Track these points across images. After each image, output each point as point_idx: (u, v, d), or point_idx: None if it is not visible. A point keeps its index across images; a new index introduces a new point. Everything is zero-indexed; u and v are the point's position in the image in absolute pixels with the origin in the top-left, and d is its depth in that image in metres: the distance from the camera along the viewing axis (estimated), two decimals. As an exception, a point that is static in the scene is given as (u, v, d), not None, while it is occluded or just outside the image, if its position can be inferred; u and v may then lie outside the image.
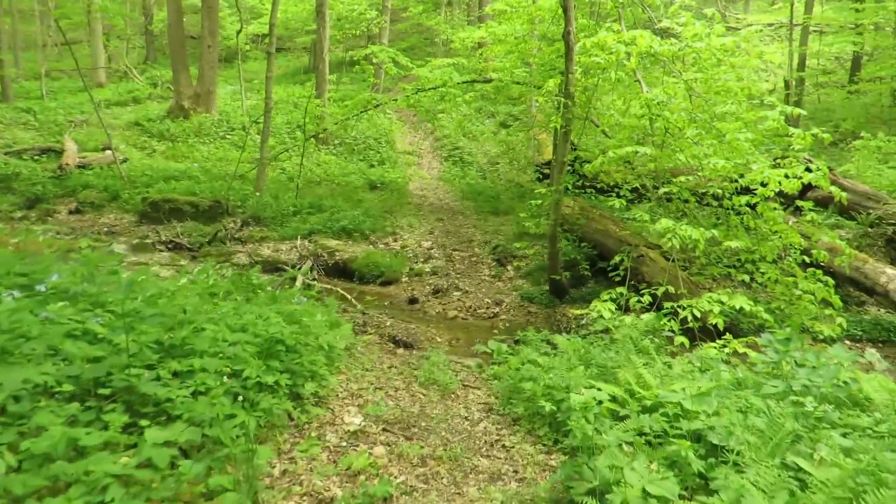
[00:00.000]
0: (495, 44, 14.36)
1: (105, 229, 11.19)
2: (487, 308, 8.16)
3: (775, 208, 6.30)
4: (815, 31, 19.94)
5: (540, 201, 7.45)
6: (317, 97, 16.64)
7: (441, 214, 12.95)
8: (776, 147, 7.80)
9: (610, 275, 7.16)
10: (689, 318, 5.27)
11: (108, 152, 15.74)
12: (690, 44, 7.52)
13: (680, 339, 5.16)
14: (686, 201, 6.63)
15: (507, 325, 7.61)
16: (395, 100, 13.63)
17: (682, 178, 6.01)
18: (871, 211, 8.03)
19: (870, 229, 8.07)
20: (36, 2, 27.96)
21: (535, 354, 4.16)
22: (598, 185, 9.82)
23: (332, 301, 6.21)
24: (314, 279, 9.15)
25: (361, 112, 13.43)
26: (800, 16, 19.34)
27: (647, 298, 5.67)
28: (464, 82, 13.64)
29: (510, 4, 11.82)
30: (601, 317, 5.52)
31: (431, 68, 13.58)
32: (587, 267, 8.15)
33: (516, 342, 6.09)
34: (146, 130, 18.42)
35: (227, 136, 17.74)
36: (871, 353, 6.29)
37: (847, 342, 6.47)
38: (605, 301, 5.73)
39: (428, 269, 9.73)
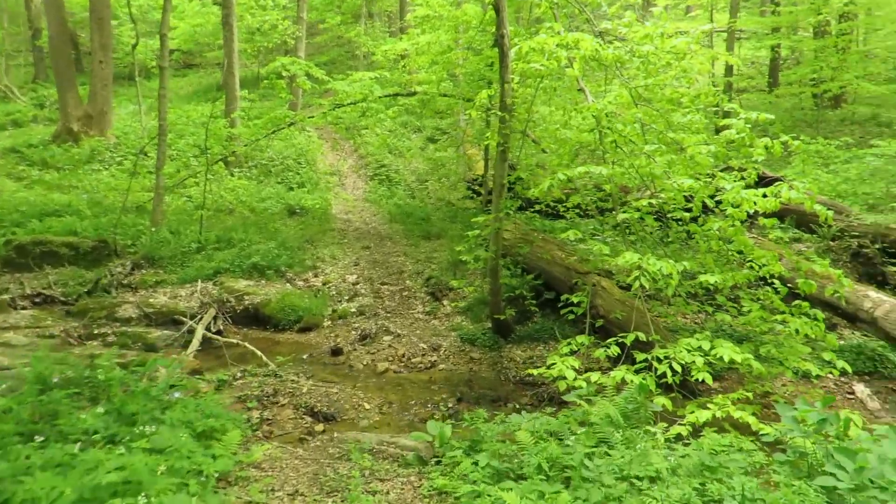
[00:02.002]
0: (418, 55, 13.37)
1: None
2: (423, 356, 7.02)
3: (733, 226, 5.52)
4: (736, 38, 20.04)
5: (477, 232, 6.42)
6: (227, 115, 15.14)
7: (367, 241, 11.75)
8: (733, 159, 7.10)
9: (562, 312, 6.18)
10: (668, 372, 4.33)
11: (-21, 185, 13.68)
12: (638, 46, 6.71)
13: (660, 400, 4.19)
14: (644, 223, 5.74)
15: (448, 376, 6.50)
16: (312, 116, 12.36)
17: (645, 202, 5.10)
18: (830, 224, 7.45)
19: (832, 242, 7.49)
20: None
21: (486, 461, 3.06)
22: (538, 206, 8.93)
23: (225, 371, 4.92)
24: (219, 331, 7.76)
25: (273, 131, 12.08)
26: (720, 22, 19.39)
27: (614, 350, 4.69)
28: (386, 96, 12.55)
29: (433, 9, 10.83)
30: (563, 378, 4.50)
31: (350, 82, 12.42)
32: (533, 301, 7.16)
33: (454, 417, 4.98)
34: (25, 158, 16.24)
35: (125, 162, 15.89)
36: (861, 390, 5.57)
37: (829, 376, 5.73)
38: (565, 355, 4.72)
39: (354, 310, 8.51)
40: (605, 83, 7.79)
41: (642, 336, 4.72)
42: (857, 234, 7.32)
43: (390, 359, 6.95)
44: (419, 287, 9.16)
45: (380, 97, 12.56)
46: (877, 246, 7.13)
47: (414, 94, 12.40)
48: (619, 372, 4.31)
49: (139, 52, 22.45)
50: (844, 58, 16.35)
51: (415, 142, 19.22)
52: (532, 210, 9.04)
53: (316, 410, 5.38)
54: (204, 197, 11.22)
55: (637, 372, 4.38)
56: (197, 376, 5.86)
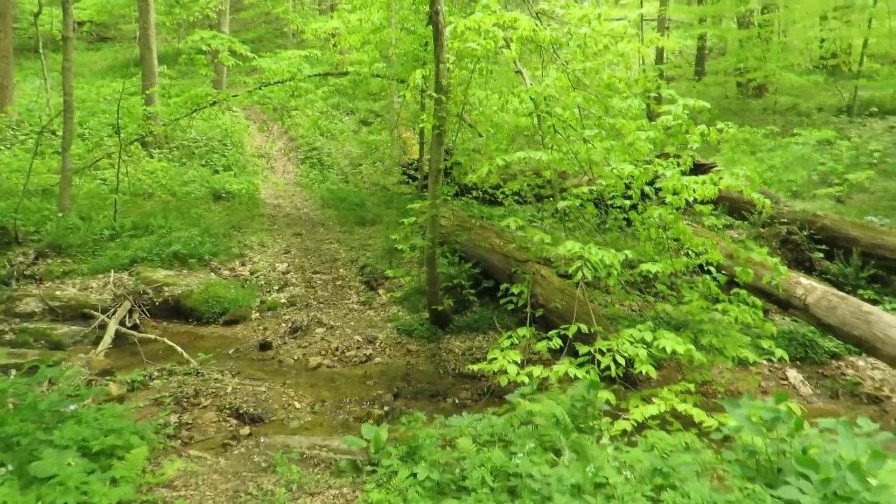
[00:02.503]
0: (350, 34, 12.87)
1: None
2: (358, 348, 6.72)
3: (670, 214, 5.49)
4: (665, 27, 20.40)
5: (413, 219, 6.14)
6: (143, 93, 14.15)
7: (299, 227, 11.26)
8: (669, 146, 7.10)
9: (501, 302, 6.01)
10: (612, 366, 4.23)
11: None
12: (575, 28, 6.56)
13: (604, 395, 4.07)
14: (585, 210, 5.62)
15: (384, 370, 6.22)
16: (236, 95, 11.68)
17: (585, 189, 4.96)
18: (761, 210, 7.59)
19: (762, 229, 7.64)
20: None
21: (426, 473, 2.81)
22: (475, 193, 8.73)
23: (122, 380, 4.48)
24: (134, 326, 7.20)
25: (194, 110, 11.34)
26: (650, 11, 19.70)
27: (556, 342, 4.54)
28: (316, 75, 12.03)
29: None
30: (504, 373, 4.32)
31: (277, 60, 11.80)
32: (471, 291, 6.96)
33: (391, 415, 4.73)
34: (-85, 136, 14.75)
35: (28, 142, 14.63)
36: (794, 376, 5.68)
37: (764, 363, 5.82)
38: (506, 348, 4.54)
39: (284, 300, 8.09)
40: (542, 66, 7.64)
41: (584, 328, 4.60)
42: (785, 220, 7.50)
43: (323, 353, 6.61)
44: (354, 276, 8.82)
45: (309, 76, 12.03)
46: (805, 233, 7.33)
47: (345, 74, 11.92)
48: (563, 366, 4.17)
49: (43, 22, 20.74)
50: (767, 48, 16.92)
51: (347, 124, 18.67)
52: (469, 196, 8.82)
53: (242, 412, 5.00)
54: (118, 180, 10.41)
55: (580, 365, 4.25)
56: (107, 378, 5.36)
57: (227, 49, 11.97)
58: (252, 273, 8.97)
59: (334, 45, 18.04)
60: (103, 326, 6.94)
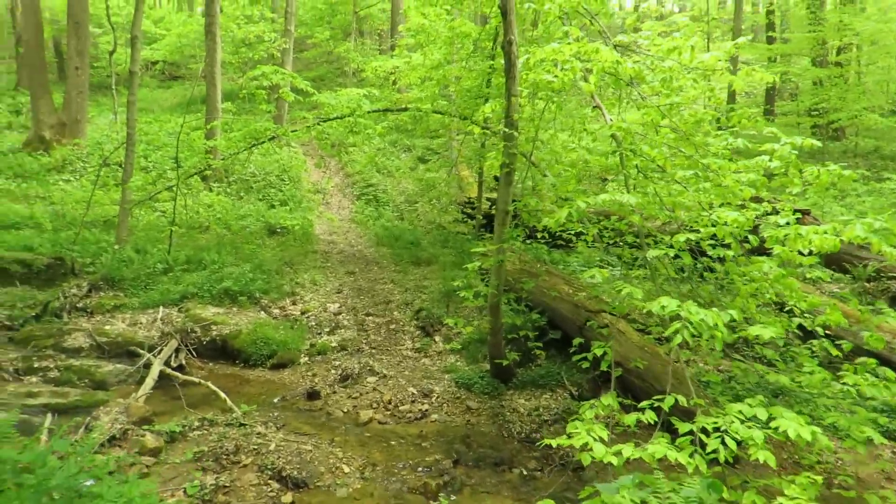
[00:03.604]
0: (411, 70, 12.72)
1: None
2: (413, 402, 6.16)
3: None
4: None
5: (478, 264, 5.61)
6: (206, 127, 14.30)
7: (352, 265, 10.90)
8: (763, 189, 6.39)
9: (575, 359, 5.37)
10: (721, 449, 3.53)
11: (-65, 194, 12.68)
12: (658, 61, 6.03)
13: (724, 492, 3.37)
14: (680, 261, 4.96)
15: (441, 429, 5.63)
16: (295, 130, 11.55)
17: (682, 237, 4.34)
18: (866, 262, 6.76)
19: (867, 284, 6.79)
20: None
21: None
22: (539, 235, 8.16)
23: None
24: (180, 366, 6.85)
25: (253, 145, 11.25)
26: (728, 49, 19.01)
27: (649, 416, 3.88)
28: (376, 111, 11.80)
29: (429, 19, 10.16)
30: (587, 449, 3.68)
31: (337, 96, 11.68)
32: (538, 344, 6.33)
33: (451, 486, 4.13)
34: (-8, 166, 15.29)
35: (94, 173, 14.94)
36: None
37: (885, 444, 4.96)
38: (589, 421, 3.90)
39: (334, 344, 7.64)
40: (619, 102, 7.12)
41: (682, 399, 3.93)
42: (895, 275, 6.64)
43: (375, 405, 6.07)
44: (408, 320, 8.32)
45: (369, 112, 11.83)
46: (919, 289, 6.46)
47: (405, 109, 11.65)
48: (659, 446, 3.49)
49: (118, 61, 21.64)
50: (847, 88, 15.96)
51: (404, 161, 18.49)
52: (535, 240, 8.26)
53: (284, 474, 4.49)
54: (174, 212, 10.32)
55: (678, 446, 3.57)
56: (144, 427, 4.95)
57: (288, 84, 11.95)
58: (303, 313, 8.60)
59: (393, 84, 18.03)
60: (148, 366, 6.62)
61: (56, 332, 7.29)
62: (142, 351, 6.92)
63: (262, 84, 10.72)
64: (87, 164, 15.64)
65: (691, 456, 3.48)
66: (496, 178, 12.65)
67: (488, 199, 12.27)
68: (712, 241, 4.89)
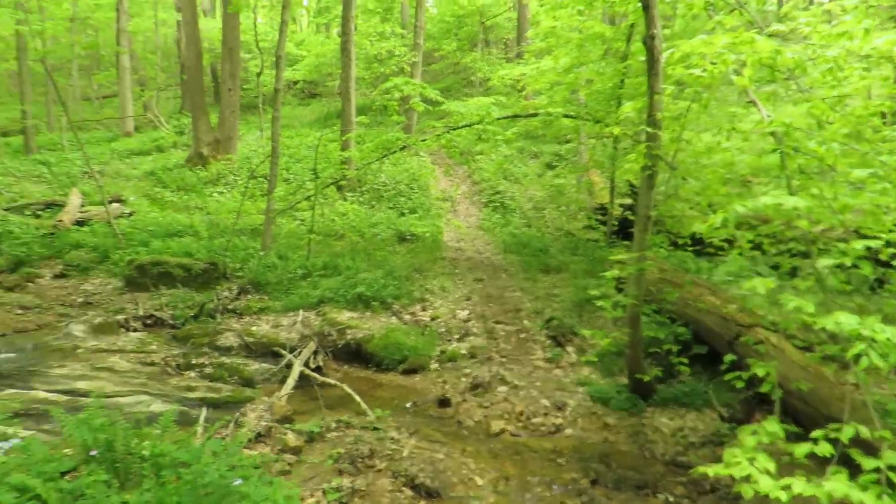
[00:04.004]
0: (540, 74, 12.53)
1: (81, 300, 9.45)
2: (545, 415, 5.94)
3: None
4: None
5: (616, 272, 5.30)
6: (342, 140, 15.01)
7: (480, 272, 10.87)
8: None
9: (727, 377, 4.89)
10: (916, 493, 3.01)
11: (116, 205, 14.33)
12: (824, 48, 5.41)
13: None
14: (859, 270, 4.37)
15: (577, 445, 5.37)
16: (424, 139, 11.77)
17: (860, 245, 3.80)
18: None
19: None
20: (74, 57, 27.66)
21: None
22: (681, 241, 7.63)
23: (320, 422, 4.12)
24: (318, 368, 7.13)
25: (385, 155, 11.61)
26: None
27: (825, 448, 3.40)
28: (504, 117, 11.72)
29: (561, 20, 9.93)
30: (749, 480, 3.29)
31: (466, 104, 11.78)
32: (684, 360, 5.86)
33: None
34: (161, 180, 17.08)
35: (243, 185, 16.18)
36: None
37: None
38: (750, 448, 3.49)
39: (464, 351, 7.60)
40: (773, 96, 6.49)
41: (864, 430, 3.41)
42: None
43: (506, 416, 5.93)
44: (538, 329, 8.10)
45: (498, 119, 11.79)
46: None
47: (535, 115, 11.48)
48: (839, 484, 3.04)
49: (265, 82, 23.35)
50: None
51: (532, 168, 18.29)
52: (677, 247, 7.74)
53: (417, 482, 4.47)
54: (313, 221, 10.86)
55: (864, 487, 3.09)
56: (286, 426, 5.16)
57: (417, 95, 12.21)
58: (432, 319, 8.66)
59: (520, 91, 17.88)
60: (289, 366, 6.95)
61: (211, 332, 7.90)
62: (284, 352, 7.28)
63: (394, 96, 11.03)
64: (237, 176, 17.00)
65: (879, 497, 3.00)
66: (629, 184, 12.14)
67: (621, 206, 11.75)
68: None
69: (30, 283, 10.51)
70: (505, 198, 16.08)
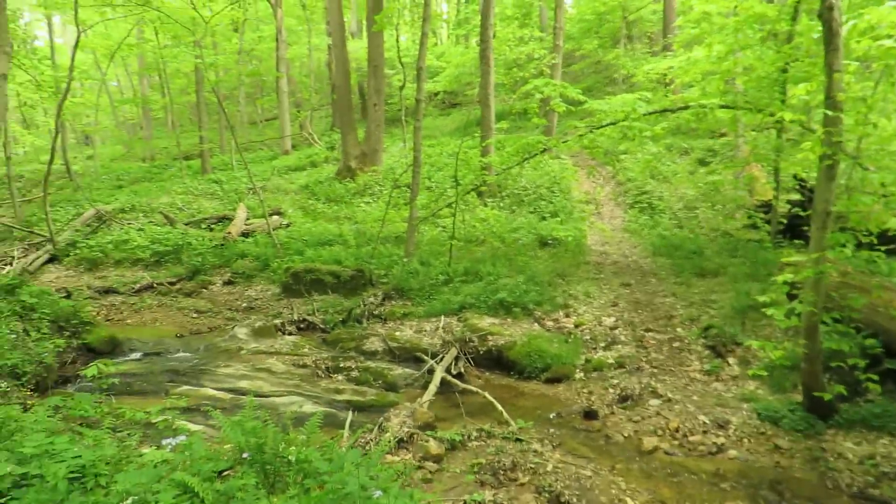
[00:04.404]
0: (691, 65, 11.70)
1: (245, 305, 10.25)
2: (705, 433, 5.40)
3: None
4: None
5: (790, 276, 4.67)
6: (481, 146, 15.05)
7: (627, 277, 10.29)
8: None
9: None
10: None
11: (275, 217, 15.52)
12: None
13: None
14: None
15: (743, 469, 4.79)
16: (566, 141, 11.40)
17: None
18: None
19: None
20: (240, 84, 30.61)
21: None
22: (865, 239, 6.62)
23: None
24: (459, 374, 7.08)
25: (526, 158, 11.39)
26: None
27: None
28: (652, 112, 11.03)
29: (716, 3, 9.16)
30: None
31: (609, 102, 11.25)
32: (874, 377, 5.03)
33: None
34: (314, 193, 18.25)
35: (386, 194, 16.78)
36: None
37: None
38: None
39: (611, 361, 7.18)
40: None
41: None
42: None
43: (660, 432, 5.47)
44: (694, 338, 7.45)
45: (644, 115, 11.12)
46: None
47: (686, 108, 10.67)
48: None
49: (407, 95, 24.18)
50: None
51: (681, 165, 17.12)
52: (864, 247, 6.75)
53: (563, 500, 4.21)
54: (454, 227, 10.93)
55: None
56: (428, 432, 5.13)
57: (558, 96, 11.88)
58: (576, 326, 8.30)
59: (666, 85, 16.82)
60: (431, 371, 6.97)
61: (357, 336, 8.17)
62: (426, 357, 7.33)
63: (535, 98, 10.81)
64: (382, 187, 17.68)
65: None
66: (796, 178, 10.89)
67: (789, 202, 10.57)
68: None
69: (204, 290, 11.61)
70: (653, 198, 15.18)
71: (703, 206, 14.42)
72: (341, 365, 7.33)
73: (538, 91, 10.75)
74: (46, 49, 27.82)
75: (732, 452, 5.07)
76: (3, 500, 2.27)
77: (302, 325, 8.88)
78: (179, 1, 17.22)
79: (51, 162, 15.80)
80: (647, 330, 7.95)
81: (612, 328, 8.10)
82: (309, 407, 6.14)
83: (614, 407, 6.10)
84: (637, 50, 28.91)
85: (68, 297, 9.74)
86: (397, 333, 8.20)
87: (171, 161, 27.81)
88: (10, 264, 12.91)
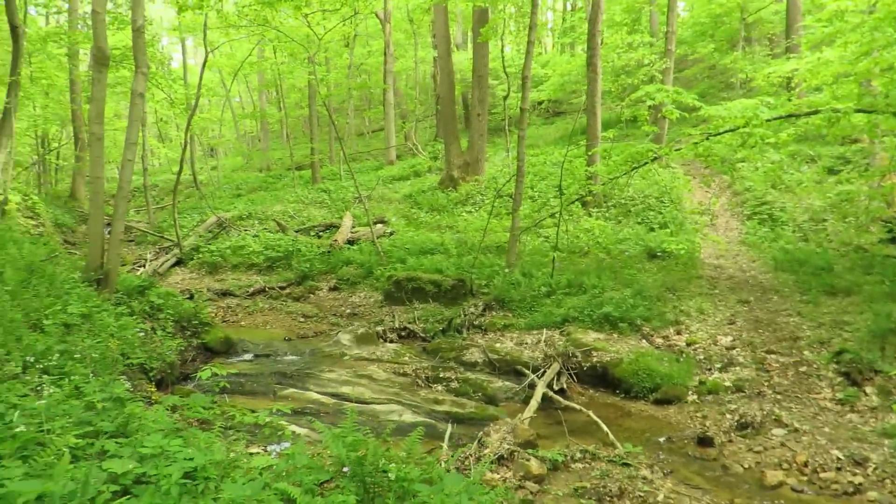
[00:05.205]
0: (818, 68, 10.81)
1: (349, 311, 10.51)
2: (839, 469, 4.85)
3: None
4: None
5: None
6: (587, 155, 14.66)
7: (745, 293, 9.58)
8: None
9: None
10: None
11: (379, 226, 15.91)
12: None
13: None
14: None
15: (885, 515, 4.25)
16: (679, 149, 10.83)
17: None
18: None
19: None
20: (349, 97, 31.88)
21: None
22: None
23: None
24: (561, 390, 6.84)
25: (634, 168, 10.93)
26: None
27: None
28: (777, 118, 10.26)
29: (850, 3, 8.41)
30: None
31: (728, 107, 10.57)
32: None
33: None
34: (416, 202, 18.54)
35: (488, 204, 16.73)
36: None
37: None
38: None
39: (728, 383, 6.66)
40: None
41: None
42: None
43: (785, 465, 4.97)
44: (824, 362, 6.77)
45: (767, 120, 10.36)
46: None
47: (815, 112, 9.83)
48: None
49: (510, 105, 24.10)
50: None
51: (807, 174, 15.81)
52: None
53: (676, 535, 3.90)
54: (557, 238, 10.66)
55: None
56: (529, 451, 4.95)
57: (671, 102, 11.32)
58: (688, 344, 7.81)
59: (790, 89, 15.64)
60: (532, 386, 6.78)
61: (457, 347, 8.12)
62: (527, 371, 7.15)
63: (645, 104, 10.37)
64: (484, 196, 17.67)
65: None
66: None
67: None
68: None
69: (311, 295, 12.06)
70: (774, 209, 14.12)
71: (833, 218, 13.22)
72: (441, 375, 7.29)
73: (650, 98, 10.27)
74: (180, 70, 30.34)
75: (872, 494, 4.50)
76: (125, 499, 2.37)
77: (403, 333, 8.97)
78: (296, 20, 18.14)
79: (180, 172, 17.12)
80: (769, 352, 7.32)
81: (729, 348, 7.54)
82: (408, 416, 6.14)
83: (732, 434, 5.63)
84: (756, 52, 27.21)
85: (190, 298, 10.42)
86: (497, 345, 8.07)
87: (284, 171, 29.38)
88: (143, 266, 14.05)
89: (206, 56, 18.09)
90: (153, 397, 5.68)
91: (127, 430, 3.35)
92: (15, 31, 10.44)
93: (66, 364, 4.42)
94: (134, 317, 7.39)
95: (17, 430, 2.74)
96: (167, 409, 3.57)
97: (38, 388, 3.95)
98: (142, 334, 6.90)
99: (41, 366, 4.24)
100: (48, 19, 27.19)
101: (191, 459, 2.73)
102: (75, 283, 7.03)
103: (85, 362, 4.66)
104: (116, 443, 2.97)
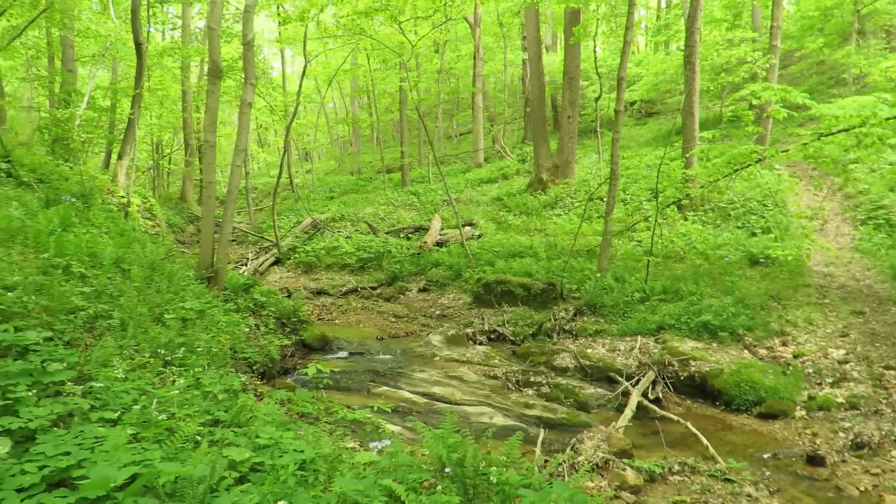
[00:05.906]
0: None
1: (438, 312, 10.66)
2: (972, 500, 4.43)
3: None
4: None
5: None
6: (684, 157, 14.13)
7: (860, 304, 8.92)
8: None
9: None
10: None
11: (468, 228, 16.04)
12: None
13: None
14: None
15: None
16: (786, 150, 10.24)
17: None
18: None
19: None
20: (439, 101, 32.35)
21: None
22: None
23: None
24: (657, 399, 6.65)
25: (736, 170, 10.43)
26: None
27: None
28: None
29: None
30: None
31: (842, 105, 9.88)
32: None
33: None
34: (505, 205, 18.54)
35: (579, 207, 16.46)
36: None
37: None
38: None
39: (841, 399, 6.23)
40: None
41: None
42: None
43: (908, 492, 4.60)
44: (954, 382, 6.20)
45: (888, 119, 9.60)
46: None
47: (945, 108, 9.00)
48: None
49: (602, 106, 23.61)
50: None
51: (932, 176, 14.49)
52: None
53: (784, 556, 3.70)
54: (651, 242, 10.35)
55: None
56: (625, 460, 4.84)
57: (778, 100, 10.72)
58: (795, 356, 7.36)
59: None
60: (626, 394, 6.63)
61: (547, 351, 8.06)
62: (620, 378, 6.99)
63: (751, 102, 9.88)
64: (574, 199, 17.41)
65: None
66: None
67: None
68: None
69: (401, 295, 12.33)
70: (892, 213, 13.05)
71: (965, 225, 12.06)
72: (531, 379, 7.26)
73: (755, 97, 9.76)
74: (279, 78, 31.85)
75: None
76: (248, 485, 2.55)
77: (492, 336, 9.00)
78: (389, 28, 18.63)
79: (279, 176, 17.98)
80: (889, 367, 6.79)
81: (842, 362, 7.05)
82: (499, 419, 6.17)
83: (846, 454, 5.27)
84: (871, 46, 25.23)
85: (289, 296, 10.92)
86: (589, 351, 7.94)
87: (375, 174, 30.18)
88: (245, 265, 14.88)
89: (306, 65, 18.89)
90: (258, 390, 6.02)
91: (240, 421, 3.58)
92: (139, 47, 11.34)
93: (188, 357, 4.77)
94: (240, 313, 7.84)
95: (159, 418, 3.00)
96: (277, 403, 3.78)
97: (161, 376, 4.30)
98: (247, 330, 7.31)
99: (166, 358, 4.60)
100: (164, 35, 29.37)
101: (301, 452, 2.89)
102: (189, 280, 7.56)
103: (203, 355, 5.01)
104: (233, 432, 3.19)
